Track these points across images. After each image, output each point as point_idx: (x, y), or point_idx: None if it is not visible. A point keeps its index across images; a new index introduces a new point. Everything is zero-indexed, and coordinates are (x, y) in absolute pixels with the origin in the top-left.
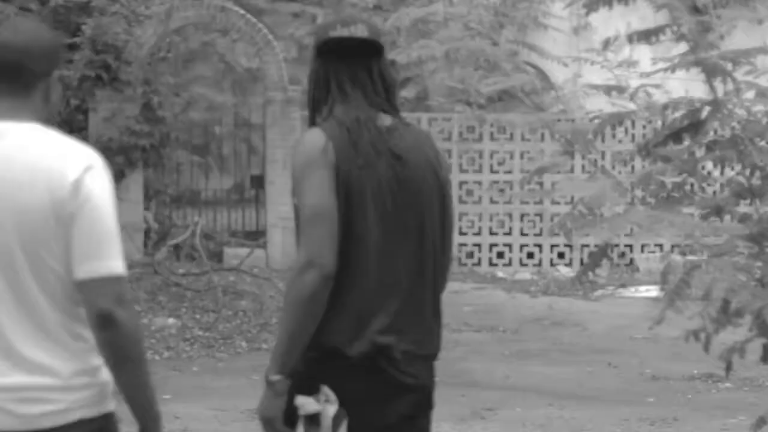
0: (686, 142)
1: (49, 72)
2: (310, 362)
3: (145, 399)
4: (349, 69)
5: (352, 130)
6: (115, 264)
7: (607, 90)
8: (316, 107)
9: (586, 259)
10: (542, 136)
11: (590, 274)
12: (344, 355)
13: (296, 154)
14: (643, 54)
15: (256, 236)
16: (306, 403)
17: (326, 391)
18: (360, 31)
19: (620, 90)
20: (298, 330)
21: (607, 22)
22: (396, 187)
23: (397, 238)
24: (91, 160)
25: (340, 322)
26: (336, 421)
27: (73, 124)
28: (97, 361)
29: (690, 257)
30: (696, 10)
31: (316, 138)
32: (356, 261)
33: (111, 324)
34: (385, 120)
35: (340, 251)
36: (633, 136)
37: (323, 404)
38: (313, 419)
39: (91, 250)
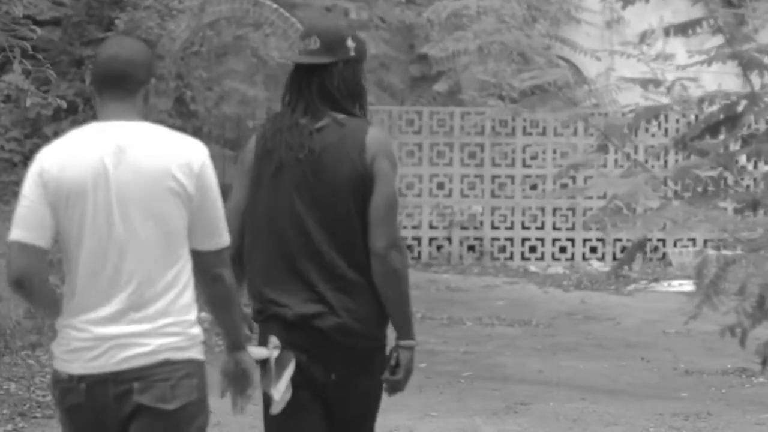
0: (722, 136)
1: (147, 80)
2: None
3: (238, 324)
4: (295, 80)
5: (269, 137)
6: (226, 238)
7: (644, 83)
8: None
9: (618, 254)
10: (575, 130)
11: (625, 268)
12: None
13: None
14: (677, 47)
15: None
16: (255, 351)
17: (273, 340)
18: (313, 44)
19: (657, 83)
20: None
21: (641, 16)
22: (310, 176)
23: (306, 217)
24: (204, 153)
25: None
26: (280, 362)
27: None
28: (189, 316)
29: (725, 252)
30: (730, 3)
31: (249, 144)
32: (268, 246)
33: (221, 281)
34: (319, 122)
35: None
36: (666, 130)
37: (270, 351)
38: (265, 364)
39: (210, 229)
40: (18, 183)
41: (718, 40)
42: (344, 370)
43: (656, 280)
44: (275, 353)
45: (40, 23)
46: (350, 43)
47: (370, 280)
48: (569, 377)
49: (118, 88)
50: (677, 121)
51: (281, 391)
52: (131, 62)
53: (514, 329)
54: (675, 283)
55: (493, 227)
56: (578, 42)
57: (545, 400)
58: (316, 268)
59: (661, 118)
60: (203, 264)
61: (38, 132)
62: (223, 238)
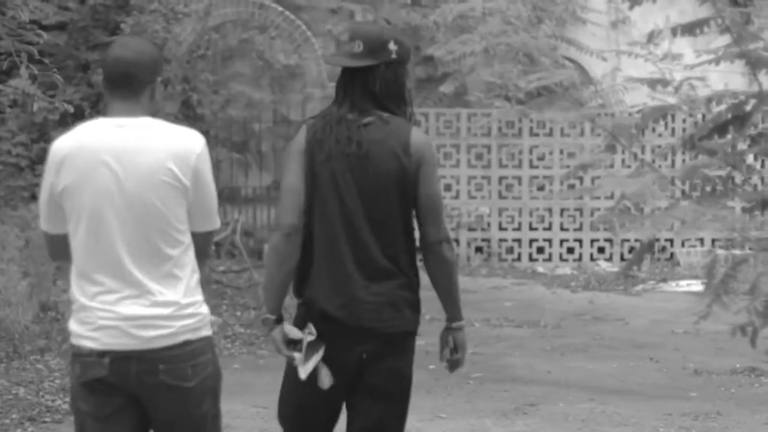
0: (730, 135)
1: (153, 79)
2: (300, 307)
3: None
4: (342, 80)
5: (319, 129)
6: (218, 222)
7: (652, 83)
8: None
9: (626, 254)
10: (582, 131)
11: (634, 268)
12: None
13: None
14: (684, 47)
15: None
16: (290, 331)
17: (310, 326)
18: (356, 47)
19: (665, 83)
20: (267, 277)
21: (646, 17)
22: (357, 168)
23: (349, 206)
24: (200, 143)
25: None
26: (311, 346)
27: None
28: (199, 296)
29: (735, 251)
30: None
31: (300, 133)
32: (319, 232)
33: (209, 256)
34: (365, 117)
35: (306, 223)
36: (673, 130)
37: (305, 334)
38: (297, 344)
39: (206, 214)
40: (25, 188)
41: (725, 39)
42: (375, 350)
43: (664, 280)
44: (309, 338)
45: (45, 28)
46: (392, 46)
47: (403, 269)
48: (578, 378)
49: (124, 88)
50: (684, 121)
51: (308, 370)
52: (135, 64)
53: (523, 330)
54: (683, 283)
55: (501, 228)
56: (584, 42)
57: (554, 401)
58: (354, 255)
59: (668, 118)
60: (199, 244)
61: (45, 137)
62: (215, 222)
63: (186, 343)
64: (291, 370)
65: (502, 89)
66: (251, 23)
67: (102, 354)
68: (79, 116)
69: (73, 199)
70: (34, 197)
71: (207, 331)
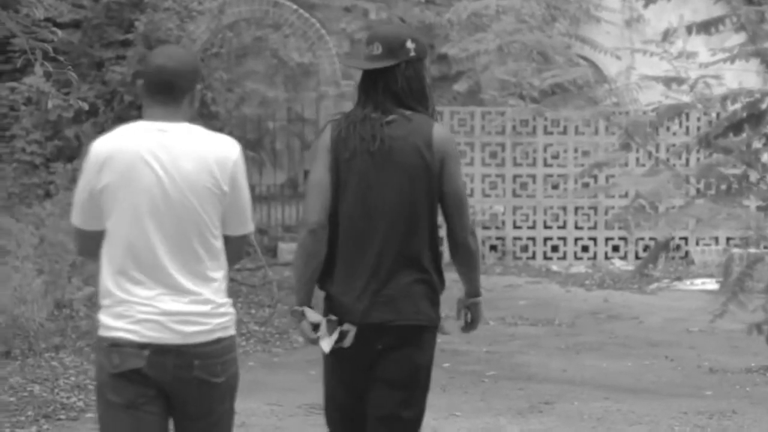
0: (746, 134)
1: (192, 87)
2: (325, 301)
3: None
4: (363, 82)
5: (344, 127)
6: (252, 226)
7: (667, 81)
8: None
9: (641, 252)
10: (596, 129)
11: (650, 267)
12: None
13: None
14: (698, 45)
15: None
16: (311, 315)
17: (331, 316)
18: (375, 49)
19: (680, 81)
20: (296, 272)
21: (660, 15)
22: (380, 165)
23: (372, 202)
24: (237, 151)
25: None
26: (330, 325)
27: (126, 120)
28: (228, 297)
29: (750, 250)
30: (751, 1)
31: (325, 131)
32: (343, 227)
33: (240, 260)
34: (388, 115)
35: (332, 219)
36: (687, 128)
37: (325, 318)
38: (318, 327)
39: (242, 219)
40: (39, 185)
41: (739, 38)
42: (390, 341)
43: (679, 278)
44: (325, 322)
45: (60, 26)
46: (410, 44)
47: (425, 265)
48: (593, 376)
49: (165, 95)
50: (698, 119)
51: (331, 344)
52: (178, 72)
53: (538, 329)
54: (698, 281)
55: (515, 227)
56: (598, 41)
57: (569, 400)
58: (375, 250)
59: (683, 116)
60: (234, 246)
61: (59, 134)
62: (250, 226)
63: (219, 340)
64: (328, 376)
65: (516, 87)
66: (265, 21)
67: (142, 346)
68: (93, 114)
69: (115, 198)
70: (48, 195)
71: (234, 331)
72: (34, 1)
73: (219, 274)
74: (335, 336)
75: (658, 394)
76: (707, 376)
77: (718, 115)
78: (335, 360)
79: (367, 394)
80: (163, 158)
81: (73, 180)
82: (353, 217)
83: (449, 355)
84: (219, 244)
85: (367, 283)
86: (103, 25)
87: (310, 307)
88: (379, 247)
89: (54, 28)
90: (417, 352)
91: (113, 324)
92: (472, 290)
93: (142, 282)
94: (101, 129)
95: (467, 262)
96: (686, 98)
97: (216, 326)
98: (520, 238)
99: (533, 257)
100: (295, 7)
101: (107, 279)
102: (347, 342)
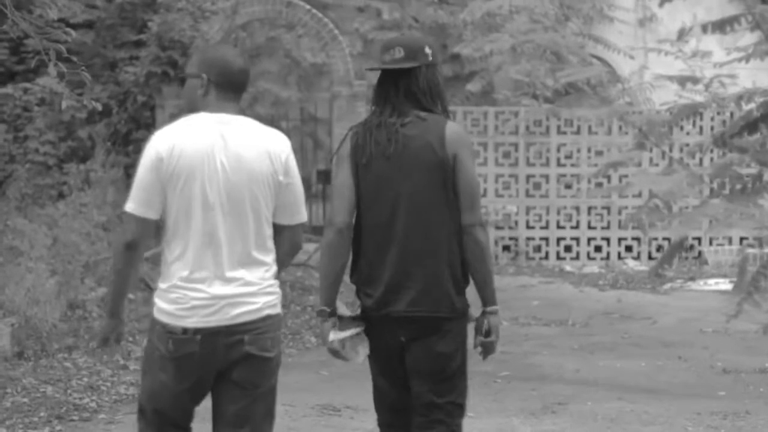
0: (761, 133)
1: (245, 85)
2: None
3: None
4: (382, 85)
5: (360, 134)
6: (305, 215)
7: (682, 81)
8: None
9: (654, 253)
10: (609, 129)
11: (665, 267)
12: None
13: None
14: (711, 45)
15: (322, 231)
16: (341, 308)
17: (356, 303)
18: (397, 53)
19: (695, 80)
20: (322, 271)
21: (674, 14)
22: (396, 166)
23: (391, 201)
24: (288, 145)
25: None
26: (351, 321)
27: (140, 120)
28: (276, 278)
29: (766, 250)
30: (765, 0)
31: (346, 139)
32: (366, 226)
33: (300, 248)
34: (405, 118)
35: (357, 219)
36: (701, 128)
37: (349, 312)
38: (343, 319)
39: (295, 207)
40: (53, 186)
41: (753, 37)
42: (413, 333)
43: (692, 278)
44: (353, 314)
45: (73, 26)
46: (428, 50)
47: (448, 258)
48: (606, 377)
49: (236, 92)
50: (712, 119)
51: (338, 338)
52: (248, 74)
53: (551, 329)
54: (711, 281)
55: (528, 227)
56: (611, 40)
57: (583, 400)
58: (396, 246)
59: (696, 116)
60: (289, 236)
61: (73, 135)
62: (303, 215)
63: (268, 317)
64: (372, 367)
65: (529, 87)
66: (278, 21)
67: (195, 332)
68: (106, 114)
69: (183, 187)
70: (61, 195)
71: (280, 309)
72: (47, 2)
73: (269, 258)
74: (351, 332)
75: (671, 394)
76: (721, 377)
77: (731, 114)
78: (373, 353)
79: (408, 382)
80: (226, 148)
81: (87, 181)
82: (375, 215)
83: None
84: (270, 231)
85: (390, 277)
86: (117, 26)
87: (334, 308)
88: (401, 243)
89: (67, 29)
90: (443, 343)
91: (168, 309)
92: (487, 298)
93: (197, 267)
94: (114, 129)
95: (475, 256)
96: (700, 98)
97: (264, 305)
98: (533, 238)
99: (546, 257)
100: (308, 7)
101: (165, 264)
102: (357, 356)
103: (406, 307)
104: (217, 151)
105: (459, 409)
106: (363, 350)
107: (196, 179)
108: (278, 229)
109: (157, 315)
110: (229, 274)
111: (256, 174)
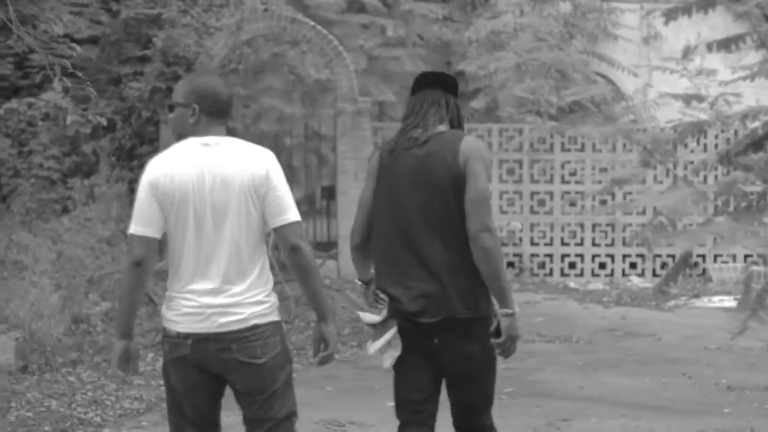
0: (767, 151)
1: (231, 108)
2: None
3: (321, 296)
4: (409, 104)
5: (387, 151)
6: (292, 215)
7: (687, 99)
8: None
9: (659, 270)
10: (614, 146)
11: (670, 284)
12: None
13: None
14: (715, 63)
15: (327, 247)
16: (367, 317)
17: (383, 311)
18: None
19: (700, 99)
20: (355, 267)
21: (678, 32)
22: (416, 180)
23: (413, 213)
24: (271, 158)
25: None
26: (384, 326)
27: (144, 135)
28: (268, 287)
29: None
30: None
31: (374, 157)
32: (391, 237)
33: (299, 251)
34: (430, 131)
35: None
36: (705, 146)
37: (380, 317)
38: (374, 327)
39: (279, 209)
40: (57, 200)
41: (757, 55)
42: (445, 335)
43: (696, 296)
44: (379, 320)
45: (78, 41)
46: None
47: (469, 263)
48: (610, 393)
49: (224, 117)
50: (716, 137)
51: (376, 347)
52: (233, 99)
53: (555, 345)
54: (715, 298)
55: (533, 243)
56: (616, 58)
57: (587, 417)
58: (418, 255)
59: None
60: (280, 236)
61: (77, 150)
62: (289, 215)
63: (255, 327)
64: (396, 377)
65: (533, 105)
66: (283, 38)
67: (186, 336)
68: (110, 129)
69: (179, 207)
70: (65, 210)
71: (275, 317)
72: (52, 17)
73: (256, 267)
74: (386, 338)
75: (675, 411)
76: (725, 394)
77: (736, 132)
78: (402, 354)
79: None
80: (213, 170)
81: (91, 195)
82: (399, 227)
83: None
84: (259, 240)
85: (419, 283)
86: (121, 41)
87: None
88: (425, 251)
89: (72, 44)
90: (471, 344)
91: (166, 315)
92: (501, 301)
93: (192, 278)
94: (119, 145)
95: (483, 261)
96: (704, 116)
97: (251, 315)
98: (537, 255)
99: (550, 274)
100: (312, 23)
101: (168, 277)
102: (386, 363)
103: (437, 310)
104: (206, 172)
105: (487, 404)
106: (392, 354)
107: (188, 200)
108: (275, 233)
109: (163, 323)
110: (218, 286)
111: (240, 191)
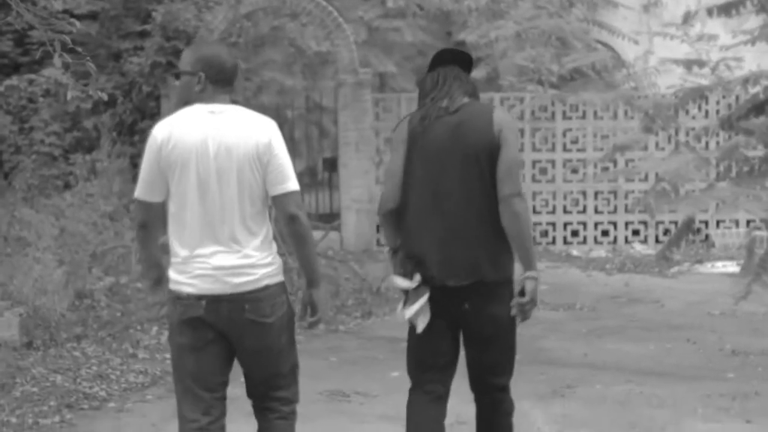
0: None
1: (235, 78)
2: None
3: (314, 263)
4: (433, 78)
5: (418, 118)
6: (292, 184)
7: (688, 64)
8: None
9: (661, 236)
10: (615, 113)
11: (673, 250)
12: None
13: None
14: (716, 28)
15: (329, 219)
16: (399, 281)
17: (417, 277)
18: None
19: (701, 64)
20: (385, 237)
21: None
22: (449, 148)
23: (446, 180)
24: (274, 127)
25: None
26: (417, 292)
27: (145, 110)
28: (274, 248)
29: None
30: None
31: (402, 124)
32: (422, 203)
33: (296, 220)
34: (458, 102)
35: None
36: (706, 112)
37: (412, 283)
38: (406, 292)
39: (279, 178)
40: (58, 176)
41: (758, 20)
42: (475, 299)
43: (699, 261)
44: (413, 285)
45: (77, 17)
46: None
47: (494, 228)
48: (615, 360)
49: (229, 85)
50: (717, 102)
51: (410, 313)
52: (235, 64)
53: (559, 313)
54: (718, 264)
55: (535, 212)
56: (616, 26)
57: (591, 384)
58: (449, 219)
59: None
60: (279, 205)
61: (78, 125)
62: (289, 184)
63: (266, 287)
64: (411, 332)
65: (534, 73)
66: (283, 10)
67: (200, 297)
68: (111, 105)
69: (181, 172)
70: (67, 186)
71: (281, 277)
72: None
73: (263, 230)
74: (419, 303)
75: (680, 376)
76: (729, 359)
77: (737, 97)
78: (433, 318)
79: (464, 348)
80: (217, 136)
81: (93, 171)
82: (431, 192)
83: None
84: (261, 205)
85: (441, 251)
86: (121, 16)
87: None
88: (457, 216)
89: (72, 20)
90: (498, 307)
91: (178, 278)
92: (526, 263)
93: (199, 242)
94: (120, 120)
95: (513, 224)
96: (705, 81)
97: (263, 276)
98: (540, 223)
99: (553, 242)
100: None
101: (173, 240)
102: (419, 327)
103: (468, 274)
104: (210, 139)
105: (509, 369)
106: (424, 319)
107: (191, 165)
108: (273, 201)
109: (170, 286)
110: (228, 248)
111: (243, 158)
